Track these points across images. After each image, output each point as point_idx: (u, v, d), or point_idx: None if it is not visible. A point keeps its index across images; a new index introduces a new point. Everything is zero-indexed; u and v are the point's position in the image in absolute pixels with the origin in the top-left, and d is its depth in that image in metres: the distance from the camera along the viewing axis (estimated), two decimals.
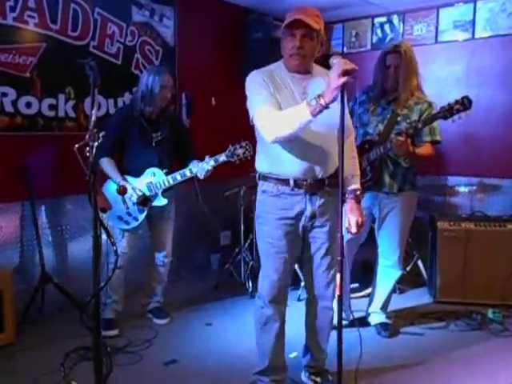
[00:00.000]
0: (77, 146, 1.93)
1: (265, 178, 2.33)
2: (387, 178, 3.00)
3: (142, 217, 3.18)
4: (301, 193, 2.26)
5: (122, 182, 3.05)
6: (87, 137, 1.77)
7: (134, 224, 3.19)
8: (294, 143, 2.17)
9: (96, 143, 1.80)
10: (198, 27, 4.44)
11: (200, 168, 3.07)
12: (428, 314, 3.52)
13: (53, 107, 3.43)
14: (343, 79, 1.83)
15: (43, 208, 3.46)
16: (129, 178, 3.16)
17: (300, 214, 2.29)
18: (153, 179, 3.15)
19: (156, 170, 3.16)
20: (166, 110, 3.25)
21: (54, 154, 3.38)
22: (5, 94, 3.17)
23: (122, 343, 3.04)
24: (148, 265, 3.46)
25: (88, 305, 1.81)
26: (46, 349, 2.97)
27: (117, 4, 3.76)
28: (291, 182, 2.25)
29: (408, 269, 4.24)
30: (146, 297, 3.48)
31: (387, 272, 3.21)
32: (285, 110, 2.12)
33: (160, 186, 3.15)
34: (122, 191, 2.97)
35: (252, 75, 2.26)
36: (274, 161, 2.27)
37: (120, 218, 3.17)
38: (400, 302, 3.72)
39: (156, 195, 3.17)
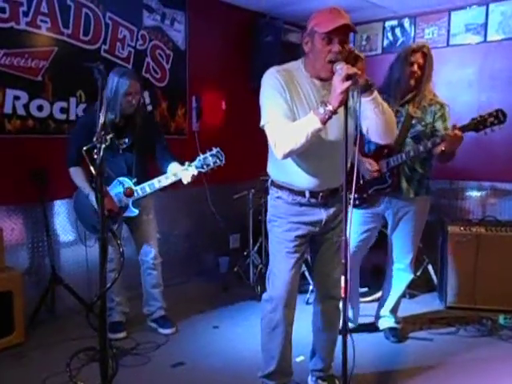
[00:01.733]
0: (85, 148, 1.95)
1: (279, 186, 2.30)
2: (404, 184, 2.96)
3: (115, 227, 3.08)
4: (316, 203, 2.25)
5: (126, 185, 3.01)
6: (95, 139, 1.79)
7: (108, 234, 3.11)
8: (307, 156, 2.14)
9: (104, 145, 1.82)
10: (208, 31, 4.47)
11: (178, 175, 2.93)
12: (438, 320, 3.48)
13: (64, 110, 3.48)
14: (347, 83, 1.84)
15: (54, 210, 3.50)
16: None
17: (315, 222, 2.29)
18: (121, 190, 3.01)
19: (124, 179, 3.02)
20: (134, 114, 3.06)
21: (64, 156, 3.41)
22: (17, 98, 3.23)
23: (130, 345, 3.06)
24: (138, 271, 3.35)
25: (95, 306, 1.83)
26: (55, 349, 2.99)
27: (128, 8, 3.81)
28: (307, 194, 2.23)
29: (418, 273, 4.21)
30: (147, 305, 3.35)
31: (399, 275, 3.19)
32: (293, 123, 2.05)
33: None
34: (129, 193, 2.96)
35: (270, 75, 2.14)
36: (287, 172, 2.23)
37: (94, 227, 3.06)
38: (410, 307, 3.70)
39: (126, 206, 3.04)
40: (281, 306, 2.31)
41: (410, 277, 3.18)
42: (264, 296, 2.40)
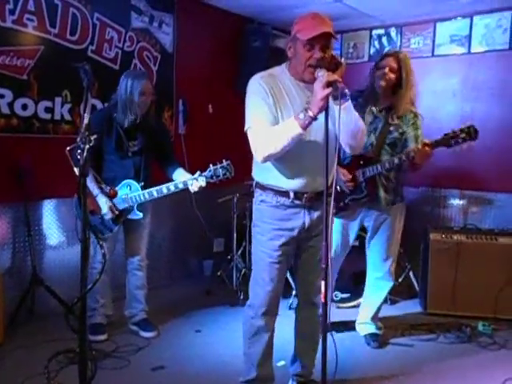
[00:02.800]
0: (68, 148, 1.94)
1: (263, 188, 2.30)
2: (382, 193, 3.00)
3: (115, 228, 3.09)
4: (300, 205, 2.26)
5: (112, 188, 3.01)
6: (78, 139, 1.77)
7: (108, 234, 3.09)
8: (291, 158, 2.15)
9: (87, 146, 1.80)
10: (196, 35, 4.47)
11: (186, 184, 2.96)
12: (418, 326, 3.52)
13: (49, 110, 3.45)
14: (327, 90, 1.88)
15: (37, 210, 3.46)
16: (106, 189, 3.02)
17: (298, 226, 2.29)
18: (128, 192, 3.04)
19: (132, 182, 3.05)
20: (147, 117, 3.11)
21: (48, 156, 3.38)
22: (1, 96, 3.19)
23: (110, 348, 3.03)
24: (125, 272, 3.35)
25: (75, 307, 1.81)
26: (34, 351, 2.96)
27: (116, 9, 3.80)
28: (291, 195, 2.24)
29: (400, 280, 4.26)
30: (130, 307, 3.34)
31: (378, 284, 3.21)
32: (274, 128, 2.08)
33: (135, 200, 3.04)
34: (113, 195, 2.95)
35: (254, 81, 2.19)
36: (271, 173, 2.24)
37: (94, 226, 3.01)
38: (391, 313, 3.74)
39: (131, 209, 3.07)
40: (262, 314, 2.31)
41: (389, 284, 3.20)
42: (247, 302, 2.41)
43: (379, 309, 3.28)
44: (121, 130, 3.04)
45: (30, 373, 2.65)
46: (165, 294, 4.08)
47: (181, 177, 3.05)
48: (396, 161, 2.86)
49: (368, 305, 3.28)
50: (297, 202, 2.25)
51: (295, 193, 2.24)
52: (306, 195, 2.24)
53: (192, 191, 2.97)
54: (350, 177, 2.94)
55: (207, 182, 2.93)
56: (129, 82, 2.97)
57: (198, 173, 2.95)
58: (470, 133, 2.73)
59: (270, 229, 2.28)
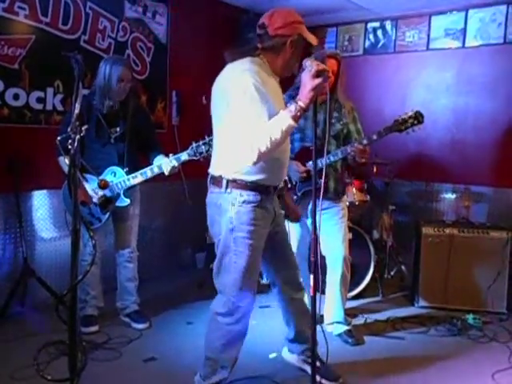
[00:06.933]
0: (59, 138, 1.92)
1: (246, 186, 2.15)
2: (332, 184, 3.03)
3: (105, 217, 3.06)
4: (270, 198, 2.25)
5: (100, 178, 2.98)
6: (69, 129, 1.76)
7: (98, 224, 3.06)
8: (282, 151, 2.15)
9: (78, 136, 1.79)
10: (191, 25, 4.44)
11: (161, 167, 2.96)
12: (410, 319, 3.54)
13: (41, 100, 3.41)
14: (318, 80, 1.86)
15: (28, 200, 3.44)
16: (88, 177, 3.01)
17: (271, 218, 2.29)
18: (113, 179, 3.01)
19: (116, 168, 3.02)
20: (127, 103, 3.08)
21: (40, 146, 3.35)
22: None
23: (101, 339, 3.03)
24: (116, 264, 3.33)
25: (65, 298, 1.80)
26: (24, 342, 2.94)
27: None
28: (271, 190, 2.24)
29: (392, 273, 4.28)
30: (121, 299, 3.33)
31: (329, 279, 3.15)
32: (265, 126, 1.99)
33: (121, 186, 3.01)
34: (104, 185, 2.93)
35: (247, 80, 2.06)
36: (259, 168, 2.12)
37: (83, 218, 2.90)
38: (383, 306, 3.76)
39: (118, 196, 3.04)
40: (249, 316, 2.25)
41: (339, 277, 3.08)
42: (220, 309, 2.27)
43: (341, 305, 3.16)
44: (101, 117, 3.00)
45: (19, 364, 2.64)
46: (157, 286, 4.07)
47: (157, 162, 3.05)
48: (339, 154, 2.94)
49: (332, 303, 3.16)
50: (270, 196, 2.24)
51: (274, 187, 2.24)
52: (275, 188, 2.27)
53: (166, 173, 2.97)
54: (305, 169, 3.00)
55: (192, 160, 2.91)
56: (107, 68, 2.95)
57: (171, 155, 2.97)
58: (418, 117, 2.87)
59: (256, 230, 2.17)
